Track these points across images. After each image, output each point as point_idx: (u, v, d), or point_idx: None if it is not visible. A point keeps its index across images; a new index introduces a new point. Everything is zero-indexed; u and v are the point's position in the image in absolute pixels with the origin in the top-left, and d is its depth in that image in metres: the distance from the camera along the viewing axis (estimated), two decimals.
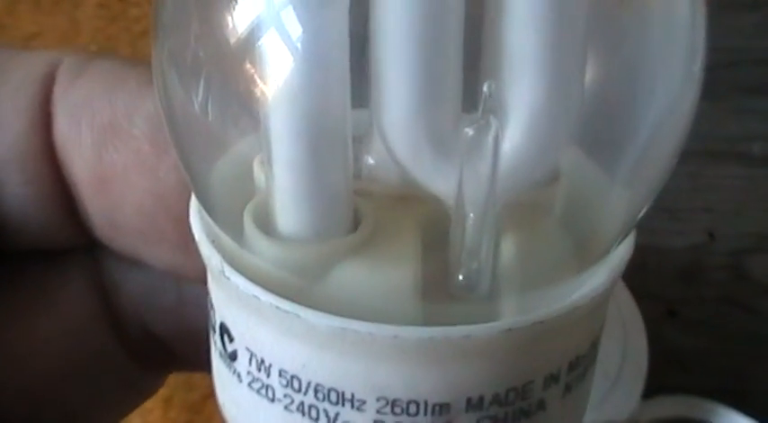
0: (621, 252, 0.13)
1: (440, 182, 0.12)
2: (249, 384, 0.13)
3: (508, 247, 0.12)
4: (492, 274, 0.12)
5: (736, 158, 0.47)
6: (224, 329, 0.13)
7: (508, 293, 0.12)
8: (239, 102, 0.12)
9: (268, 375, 0.12)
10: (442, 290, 0.12)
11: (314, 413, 0.12)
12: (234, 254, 0.12)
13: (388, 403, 0.12)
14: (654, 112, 0.12)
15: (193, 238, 0.13)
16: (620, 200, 0.13)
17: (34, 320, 0.17)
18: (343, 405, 0.12)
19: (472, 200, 0.12)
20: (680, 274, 0.49)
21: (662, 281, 0.48)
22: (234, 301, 0.12)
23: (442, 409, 0.12)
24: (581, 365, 0.13)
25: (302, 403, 0.12)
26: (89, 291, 0.17)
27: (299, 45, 0.11)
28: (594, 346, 0.13)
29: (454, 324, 0.11)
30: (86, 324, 0.17)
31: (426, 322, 0.12)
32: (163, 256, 0.16)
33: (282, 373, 0.12)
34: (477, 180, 0.12)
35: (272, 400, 0.12)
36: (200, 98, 0.13)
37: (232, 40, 0.12)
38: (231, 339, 0.13)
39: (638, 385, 0.41)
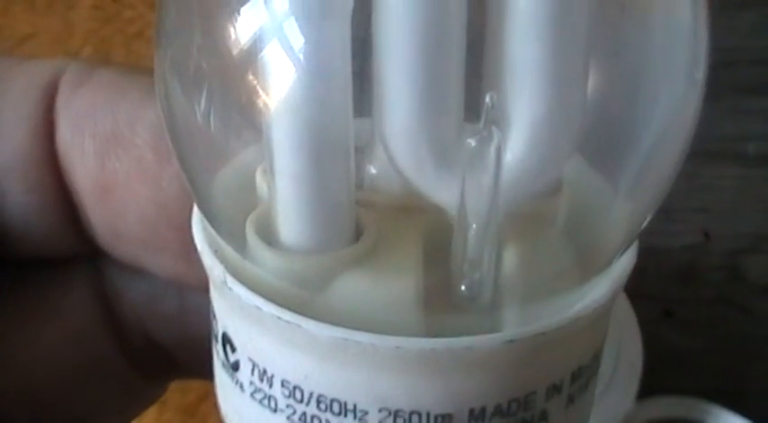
0: (624, 263, 0.13)
1: (442, 192, 0.12)
2: (252, 394, 0.13)
3: (510, 258, 0.12)
4: (494, 284, 0.12)
5: (733, 159, 0.47)
6: (226, 339, 0.13)
7: (510, 304, 0.12)
8: (241, 112, 0.12)
9: (270, 386, 0.12)
10: (444, 300, 0.12)
11: None
12: (236, 264, 0.12)
13: (390, 414, 0.12)
14: (657, 120, 0.12)
15: (195, 248, 0.13)
16: (623, 210, 0.13)
17: (36, 328, 0.17)
18: (345, 416, 0.12)
19: (474, 210, 0.12)
20: (676, 275, 0.49)
21: (658, 281, 0.48)
22: (236, 312, 0.12)
23: (445, 419, 0.12)
24: (583, 376, 0.13)
25: (305, 414, 0.12)
26: (91, 299, 0.17)
27: (301, 56, 0.11)
28: (597, 356, 0.13)
29: (456, 335, 0.11)
30: (88, 332, 0.17)
31: (428, 333, 0.12)
32: (165, 264, 0.16)
33: (285, 384, 0.12)
34: (480, 190, 0.12)
35: (275, 410, 0.12)
36: (202, 108, 0.13)
37: (234, 51, 0.12)
38: (233, 349, 0.13)
39: (633, 386, 0.41)
